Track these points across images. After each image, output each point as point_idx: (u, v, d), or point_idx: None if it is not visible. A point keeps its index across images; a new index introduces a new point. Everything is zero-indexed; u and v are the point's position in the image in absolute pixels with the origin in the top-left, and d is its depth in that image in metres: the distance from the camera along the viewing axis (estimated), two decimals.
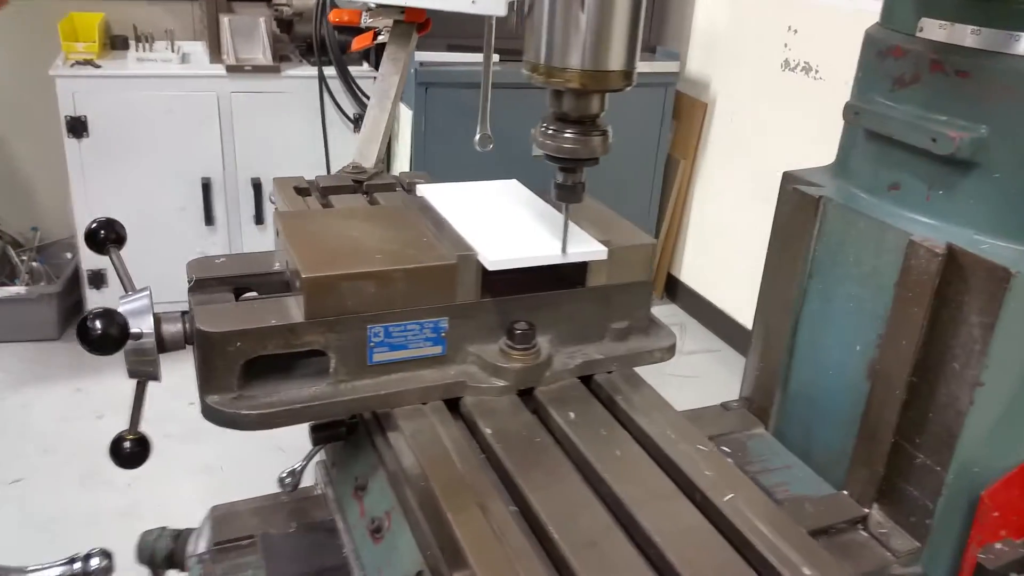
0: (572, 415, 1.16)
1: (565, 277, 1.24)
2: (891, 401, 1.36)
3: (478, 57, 4.05)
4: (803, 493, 1.47)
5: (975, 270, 1.26)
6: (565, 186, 1.17)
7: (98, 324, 1.01)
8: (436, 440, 1.10)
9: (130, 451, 1.17)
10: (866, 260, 1.41)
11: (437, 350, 1.19)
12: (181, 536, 1.40)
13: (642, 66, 3.86)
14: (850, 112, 1.43)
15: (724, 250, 3.99)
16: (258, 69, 3.73)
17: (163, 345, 1.14)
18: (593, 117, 1.14)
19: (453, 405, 1.20)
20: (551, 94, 1.14)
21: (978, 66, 1.26)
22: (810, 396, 1.55)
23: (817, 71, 3.33)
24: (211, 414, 1.09)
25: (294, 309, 1.13)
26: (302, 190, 1.92)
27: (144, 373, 1.12)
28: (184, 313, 1.17)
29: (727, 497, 1.02)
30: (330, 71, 3.82)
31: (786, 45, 3.47)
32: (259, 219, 4.03)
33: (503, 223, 1.29)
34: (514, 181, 1.50)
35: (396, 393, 1.15)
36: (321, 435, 1.31)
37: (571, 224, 1.23)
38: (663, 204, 4.18)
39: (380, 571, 1.13)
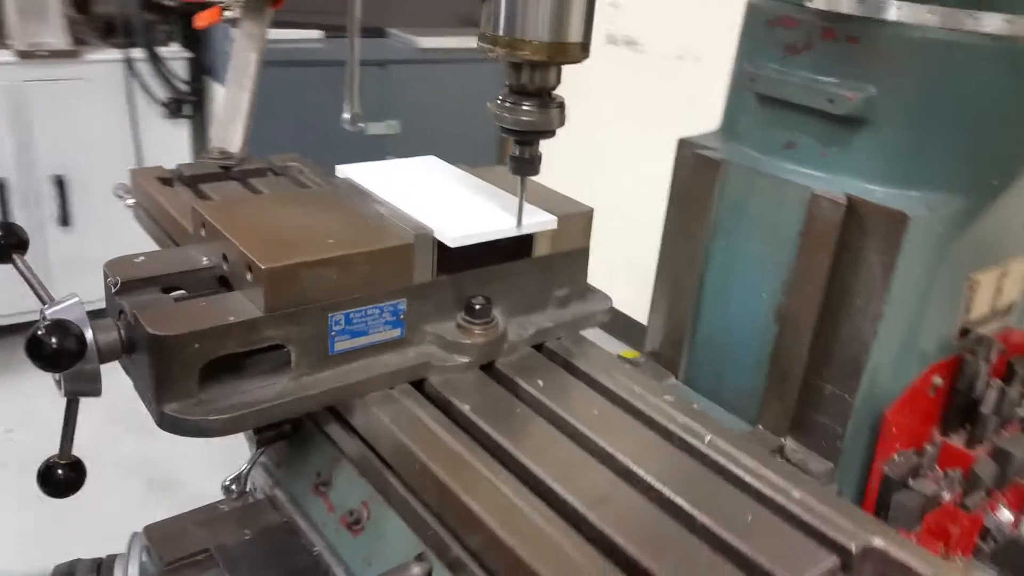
0: (541, 383, 1.17)
1: (512, 249, 1.25)
2: (801, 340, 1.48)
3: (306, 34, 3.94)
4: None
5: (874, 216, 1.38)
6: (522, 159, 1.18)
7: (53, 339, 0.91)
8: (417, 421, 1.08)
9: (64, 478, 1.07)
10: (768, 215, 1.51)
11: (396, 333, 1.17)
12: (104, 565, 1.29)
13: (471, 40, 3.93)
14: (746, 78, 1.52)
15: None
16: (55, 54, 3.41)
17: (101, 357, 1.04)
18: (551, 89, 1.15)
19: (418, 387, 1.18)
20: (508, 67, 1.13)
21: (867, 32, 1.38)
22: (719, 343, 1.64)
23: (640, 44, 3.48)
24: (172, 424, 1.01)
25: (248, 304, 1.07)
26: (166, 180, 1.81)
27: (85, 391, 1.03)
28: (119, 319, 1.08)
29: (706, 439, 1.08)
30: (137, 54, 3.56)
31: (609, 19, 3.60)
32: (64, 220, 3.71)
33: (446, 199, 1.28)
34: (432, 157, 1.48)
35: (364, 381, 1.12)
36: (267, 435, 1.25)
37: (512, 197, 1.24)
38: None
39: (369, 562, 1.09)
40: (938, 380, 1.53)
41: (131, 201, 1.86)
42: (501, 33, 1.08)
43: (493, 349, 1.21)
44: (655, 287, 1.76)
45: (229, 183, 1.83)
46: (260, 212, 1.20)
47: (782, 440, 1.53)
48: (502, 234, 1.19)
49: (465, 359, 1.18)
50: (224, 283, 1.17)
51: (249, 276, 1.07)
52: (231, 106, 2.01)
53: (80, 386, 1.02)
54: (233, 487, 1.23)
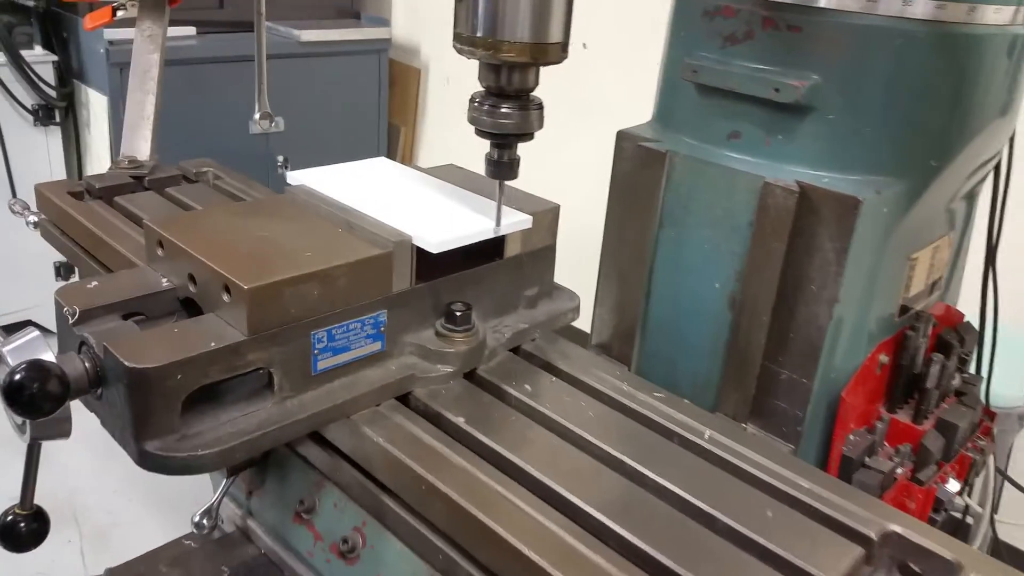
0: (528, 387, 1.16)
1: (485, 251, 1.22)
2: (757, 327, 1.51)
3: (178, 31, 3.76)
4: None
5: (826, 202, 1.43)
6: (501, 163, 1.15)
7: (35, 382, 0.83)
8: (413, 439, 1.04)
9: (26, 530, 0.99)
10: (718, 205, 1.54)
11: (377, 346, 1.13)
12: None
13: (352, 33, 3.88)
14: (685, 70, 1.54)
15: None
16: None
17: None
18: (529, 91, 1.13)
19: (402, 401, 1.14)
20: (485, 68, 1.10)
21: (807, 21, 1.41)
22: (671, 333, 1.66)
23: None
24: (156, 463, 0.95)
25: (227, 327, 1.01)
26: (76, 194, 1.70)
27: (53, 434, 0.95)
28: (81, 352, 1.00)
29: (706, 435, 1.09)
30: None
31: None
32: None
33: (414, 203, 1.24)
34: (382, 158, 1.44)
35: (351, 400, 1.07)
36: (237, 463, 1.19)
37: (478, 196, 1.22)
38: None
39: None
40: (884, 358, 1.60)
41: (34, 218, 1.73)
42: (480, 34, 1.05)
43: (475, 356, 1.18)
44: (599, 280, 1.77)
45: (145, 193, 1.73)
46: (222, 227, 1.14)
47: (743, 426, 1.57)
48: (481, 236, 1.17)
49: (449, 368, 1.15)
50: (189, 305, 1.10)
51: (227, 297, 1.01)
52: (136, 112, 1.90)
53: (47, 430, 0.94)
54: (205, 522, 1.16)
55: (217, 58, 3.63)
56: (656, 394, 1.15)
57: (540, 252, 1.29)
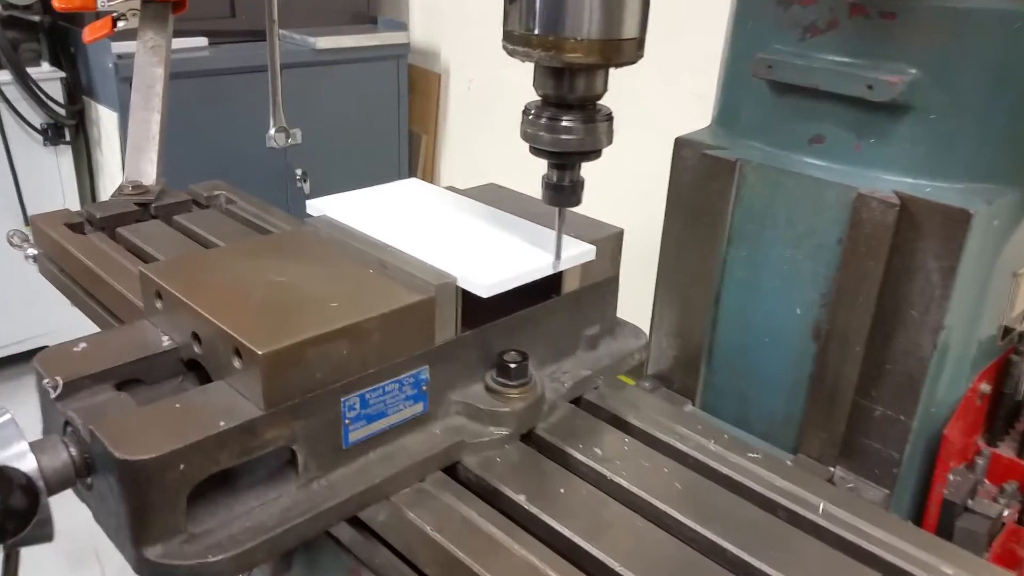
0: (598, 451, 0.97)
1: (540, 288, 1.04)
2: (850, 359, 1.32)
3: (190, 42, 3.60)
4: None
5: (930, 215, 1.23)
6: (562, 186, 0.97)
7: None
8: (467, 525, 0.86)
9: None
10: (800, 220, 1.35)
11: (418, 408, 0.95)
12: None
13: (369, 39, 3.64)
14: (762, 66, 1.35)
15: None
16: None
17: (49, 490, 0.79)
18: (596, 99, 0.94)
19: (450, 471, 0.96)
20: (542, 74, 0.92)
21: (903, 6, 1.22)
22: (743, 365, 1.47)
23: None
24: (158, 573, 0.77)
25: (239, 399, 0.83)
26: (75, 226, 1.53)
27: (33, 538, 0.77)
28: (66, 433, 0.82)
29: (820, 508, 0.90)
30: (2, 76, 3.17)
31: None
32: None
33: (456, 234, 1.06)
34: (414, 180, 1.26)
35: (390, 479, 0.89)
36: None
37: (529, 223, 1.04)
38: None
39: None
40: (985, 387, 1.40)
41: (32, 252, 1.57)
42: (537, 31, 0.87)
43: (533, 414, 1.00)
44: (656, 304, 1.58)
45: (151, 223, 1.56)
46: (231, 271, 0.96)
47: (831, 469, 1.38)
48: (539, 274, 0.99)
49: (504, 431, 0.97)
50: (195, 367, 0.93)
51: (237, 363, 0.83)
52: (140, 131, 1.73)
53: (33, 532, 0.77)
54: None
55: (231, 69, 3.48)
56: (751, 455, 0.97)
57: (602, 285, 1.11)
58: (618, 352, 1.15)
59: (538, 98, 0.96)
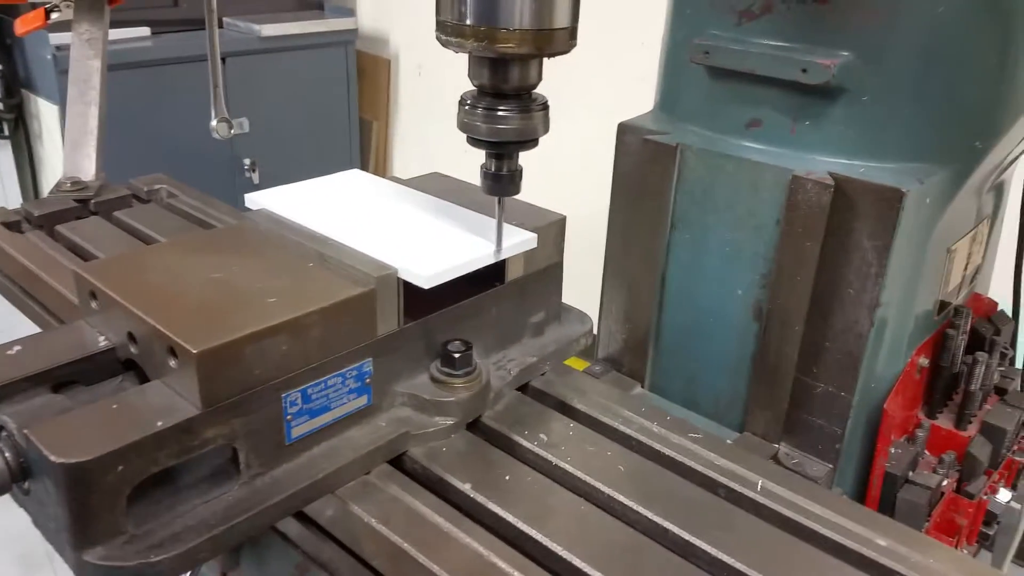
0: (544, 436, 0.97)
1: (482, 277, 1.04)
2: (790, 338, 1.34)
3: (131, 32, 3.53)
4: None
5: (864, 195, 1.25)
6: (500, 175, 0.97)
7: None
8: (413, 516, 0.86)
9: None
10: (740, 203, 1.36)
11: (362, 401, 0.94)
12: None
13: (315, 25, 3.60)
14: (699, 52, 1.35)
15: None
16: None
17: None
18: (531, 88, 0.94)
19: (396, 463, 0.96)
20: (477, 64, 0.91)
21: None
22: (689, 347, 1.49)
23: None
24: (101, 575, 0.76)
25: (176, 399, 0.82)
26: (12, 224, 1.50)
27: None
28: (1, 438, 0.81)
29: (759, 485, 0.92)
30: None
31: None
32: None
33: (397, 225, 1.05)
34: (356, 171, 1.24)
35: (334, 472, 0.89)
36: None
37: (472, 212, 1.04)
38: (364, 169, 3.96)
39: None
40: (924, 361, 1.43)
41: None
42: (471, 22, 0.86)
43: (479, 403, 1.00)
44: (604, 289, 1.59)
45: (91, 220, 1.53)
46: (165, 270, 0.94)
47: (776, 446, 1.40)
48: (480, 263, 0.98)
49: (449, 420, 0.97)
50: (133, 367, 0.91)
51: (173, 362, 0.82)
52: (77, 125, 1.69)
53: None
54: None
55: (174, 59, 3.42)
56: (692, 435, 0.98)
57: (546, 272, 1.11)
58: (564, 338, 1.15)
59: (474, 88, 0.95)
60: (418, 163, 3.90)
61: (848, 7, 1.23)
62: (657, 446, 0.96)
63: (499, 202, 0.99)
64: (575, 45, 0.92)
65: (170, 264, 0.95)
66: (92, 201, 1.58)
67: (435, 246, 0.99)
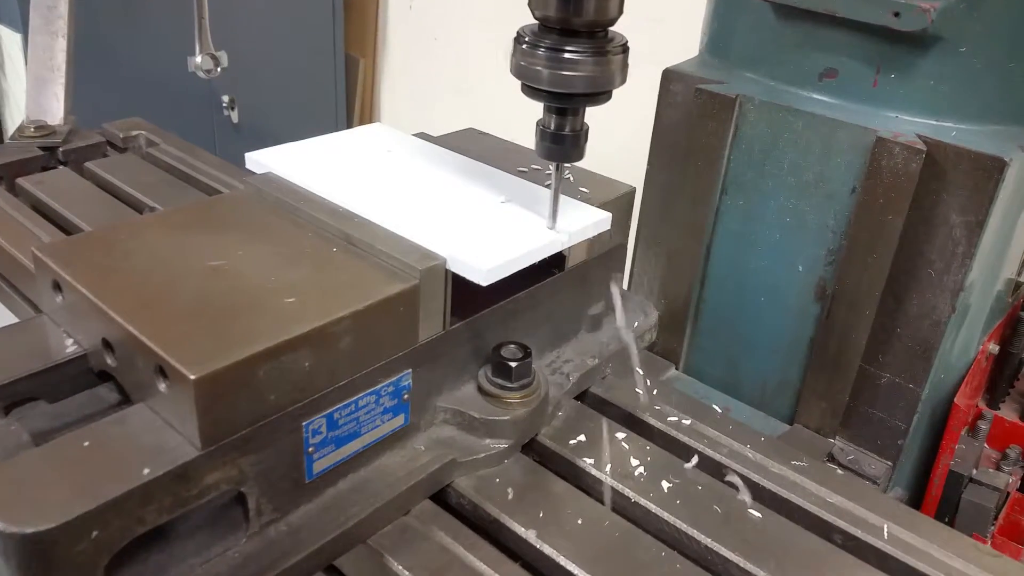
0: (616, 465, 0.77)
1: (540, 264, 0.82)
2: (858, 323, 1.14)
3: None
4: None
5: (957, 163, 1.04)
6: (561, 136, 0.74)
7: None
8: (466, 570, 0.66)
9: None
10: (808, 166, 1.14)
11: (399, 421, 0.73)
12: None
13: None
14: None
15: None
16: None
17: None
18: (609, 24, 0.71)
19: (438, 497, 0.75)
20: None
21: None
22: (733, 327, 1.28)
23: None
24: None
25: (168, 432, 0.60)
26: None
27: None
28: None
29: (885, 530, 0.72)
30: None
31: None
32: None
33: (439, 198, 0.82)
34: (379, 124, 1.01)
35: (368, 518, 0.68)
36: None
37: (525, 182, 0.82)
38: (350, 110, 3.67)
39: None
40: (994, 347, 1.25)
41: None
42: None
43: (537, 420, 0.79)
44: (635, 257, 1.38)
45: (59, 172, 1.28)
46: (151, 254, 0.71)
47: (831, 441, 1.21)
48: (548, 250, 0.77)
49: (503, 443, 0.76)
50: (108, 377, 0.69)
51: (163, 384, 0.60)
52: (41, 61, 1.43)
53: None
54: None
55: None
56: (795, 462, 0.78)
57: (609, 255, 0.90)
58: (623, 333, 0.94)
59: (534, 21, 0.72)
60: (407, 104, 3.61)
61: None
62: (755, 477, 0.77)
63: (557, 168, 0.77)
64: None
65: (156, 246, 0.72)
66: (60, 149, 1.34)
67: (489, 228, 0.77)
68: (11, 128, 3.08)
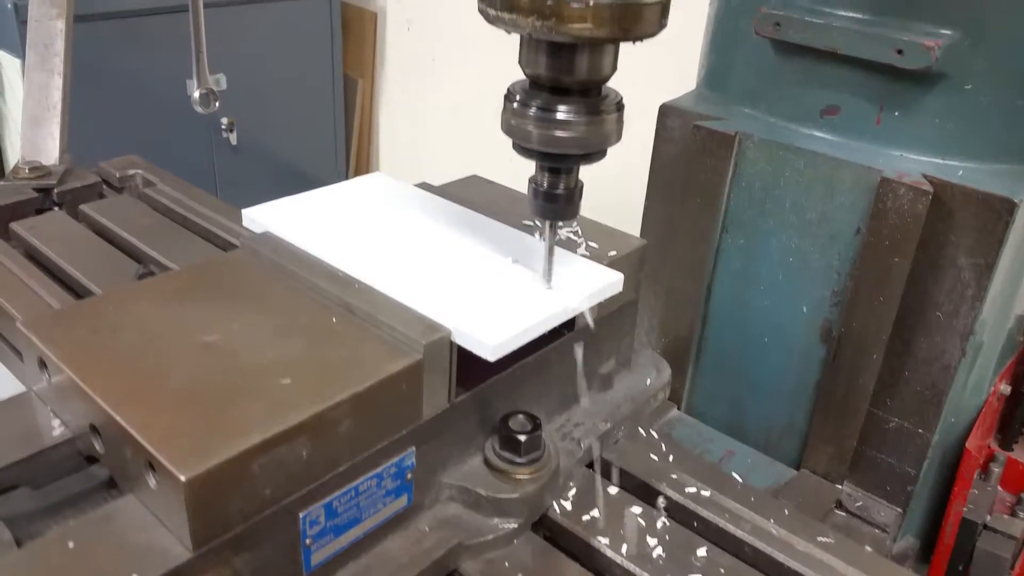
0: (634, 544, 0.72)
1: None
2: (866, 367, 1.09)
3: None
4: (766, 483, 1.18)
5: (965, 204, 1.00)
6: (554, 195, 0.69)
7: None
8: None
9: None
10: (810, 206, 1.10)
11: (402, 502, 0.68)
12: None
13: None
14: (767, 23, 1.07)
15: (424, 170, 3.54)
16: None
17: None
18: (602, 82, 0.67)
19: None
20: (533, 49, 0.64)
21: None
22: (737, 368, 1.24)
23: None
24: None
25: (157, 530, 0.55)
26: None
27: None
28: None
29: None
30: None
31: None
32: None
33: (441, 258, 0.77)
34: (379, 174, 0.95)
35: None
36: None
37: (538, 240, 0.77)
38: (349, 130, 3.61)
39: None
40: (1005, 388, 1.20)
41: None
42: None
43: (548, 493, 0.74)
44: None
45: (52, 215, 1.23)
46: (141, 329, 0.66)
47: (838, 487, 1.16)
48: (559, 319, 0.72)
49: (511, 523, 0.71)
50: (95, 461, 0.64)
51: (152, 480, 0.54)
52: (38, 100, 1.37)
53: None
54: None
55: (147, 10, 3.01)
56: (822, 539, 0.73)
57: (620, 312, 0.85)
58: (637, 391, 0.89)
59: (525, 78, 0.68)
60: (406, 124, 3.55)
61: None
62: (781, 557, 0.71)
63: (550, 226, 0.72)
64: (666, 25, 0.64)
65: (147, 319, 0.67)
66: (55, 190, 1.28)
67: (496, 294, 0.71)
68: (10, 152, 3.01)
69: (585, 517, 0.73)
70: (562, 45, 0.63)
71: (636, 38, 0.63)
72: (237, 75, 3.24)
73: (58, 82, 1.39)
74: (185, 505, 0.52)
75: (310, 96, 3.51)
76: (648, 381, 0.89)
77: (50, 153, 1.35)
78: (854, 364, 1.10)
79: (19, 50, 2.85)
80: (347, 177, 3.64)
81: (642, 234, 1.29)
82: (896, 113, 1.04)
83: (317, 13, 3.38)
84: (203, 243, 1.11)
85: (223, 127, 3.29)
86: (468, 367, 0.69)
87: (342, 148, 3.62)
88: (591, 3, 0.59)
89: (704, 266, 1.21)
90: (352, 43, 3.55)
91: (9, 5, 2.74)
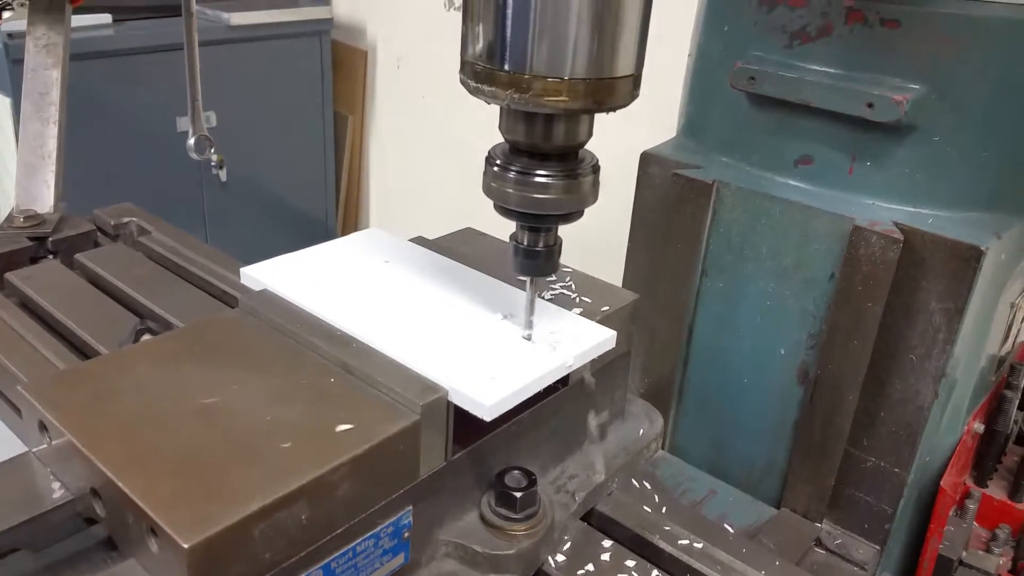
0: None
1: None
2: (842, 408, 1.10)
3: (91, 19, 3.09)
4: (747, 522, 1.18)
5: (935, 251, 1.01)
6: (534, 252, 0.70)
7: None
8: None
9: None
10: (786, 252, 1.11)
11: (399, 561, 0.67)
12: None
13: (288, 14, 3.09)
14: (743, 78, 1.09)
15: (414, 207, 3.53)
16: None
17: None
18: (578, 148, 0.68)
19: None
20: (511, 117, 0.65)
21: (909, 13, 0.98)
22: (718, 408, 1.24)
23: None
24: None
25: None
26: None
27: None
28: None
29: None
30: None
31: None
32: None
33: (437, 316, 0.77)
34: (375, 230, 0.95)
35: None
36: None
37: (539, 300, 0.77)
38: (339, 168, 3.60)
39: None
40: (979, 426, 1.21)
41: None
42: (508, 68, 0.59)
43: (543, 548, 0.74)
44: None
45: (47, 265, 1.21)
46: (140, 391, 0.65)
47: (818, 525, 1.17)
48: (553, 376, 0.72)
49: None
50: (95, 522, 0.63)
51: (154, 545, 0.54)
52: (33, 148, 1.36)
53: None
54: None
55: (138, 49, 2.99)
56: None
57: (613, 365, 0.85)
58: (630, 442, 0.89)
59: (504, 142, 0.69)
60: (396, 160, 3.55)
61: (923, 33, 0.99)
62: None
63: (531, 282, 0.73)
64: (637, 96, 0.65)
65: (147, 382, 0.67)
66: (50, 239, 1.27)
67: (492, 352, 0.71)
68: (1, 189, 2.97)
69: (580, 572, 0.73)
70: (539, 114, 0.64)
71: (609, 109, 0.65)
72: (227, 112, 3.22)
73: (53, 131, 1.38)
74: (187, 571, 0.51)
75: (300, 133, 3.50)
76: (641, 431, 0.89)
77: (45, 201, 1.34)
78: (831, 405, 1.11)
79: (8, 89, 2.83)
80: (337, 213, 3.63)
81: (625, 276, 1.30)
82: (868, 163, 1.06)
83: (308, 51, 3.38)
84: (199, 293, 1.10)
85: (213, 164, 3.27)
86: (464, 424, 0.69)
87: (332, 184, 3.61)
88: (566, 78, 0.60)
89: (685, 309, 1.22)
90: (342, 80, 3.55)
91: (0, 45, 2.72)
